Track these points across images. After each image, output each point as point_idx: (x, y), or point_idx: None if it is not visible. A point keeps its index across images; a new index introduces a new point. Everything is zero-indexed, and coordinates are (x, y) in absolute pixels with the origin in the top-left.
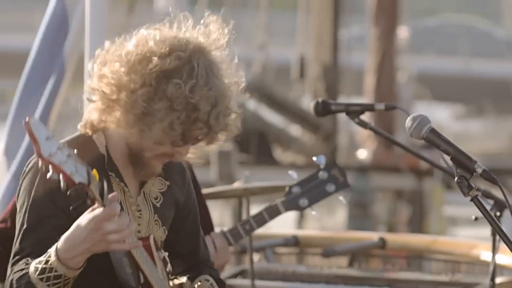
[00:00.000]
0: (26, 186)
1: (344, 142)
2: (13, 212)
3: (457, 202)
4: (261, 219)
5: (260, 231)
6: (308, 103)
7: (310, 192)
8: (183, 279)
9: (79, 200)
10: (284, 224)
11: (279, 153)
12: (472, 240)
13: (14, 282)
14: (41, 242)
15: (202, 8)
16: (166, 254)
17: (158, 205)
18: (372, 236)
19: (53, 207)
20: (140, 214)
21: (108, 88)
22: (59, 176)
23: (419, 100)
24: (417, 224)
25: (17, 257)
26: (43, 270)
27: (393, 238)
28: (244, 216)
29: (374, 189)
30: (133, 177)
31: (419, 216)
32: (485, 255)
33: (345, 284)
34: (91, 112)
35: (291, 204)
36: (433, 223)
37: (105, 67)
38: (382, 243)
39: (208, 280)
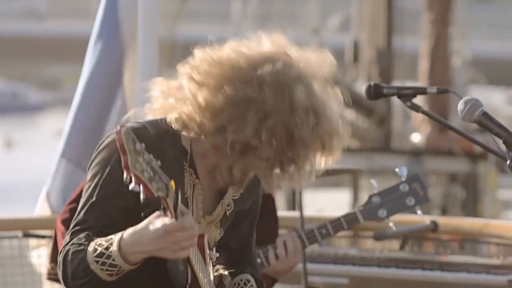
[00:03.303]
0: (102, 160)
1: (398, 126)
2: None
3: None
4: (338, 226)
5: (312, 214)
6: (361, 87)
7: (390, 204)
8: (225, 272)
9: (151, 207)
10: (337, 208)
11: None
12: None
13: (70, 253)
14: (105, 218)
15: None
16: (217, 255)
17: (228, 213)
18: (425, 219)
19: (124, 187)
20: (204, 216)
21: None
22: (139, 187)
23: (474, 84)
24: (471, 208)
25: (78, 227)
26: (101, 254)
27: (445, 221)
28: (298, 201)
29: (428, 173)
30: (214, 182)
31: (473, 200)
32: None
33: (397, 267)
34: (191, 111)
35: (370, 214)
36: (487, 206)
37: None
38: (434, 226)
39: (249, 281)
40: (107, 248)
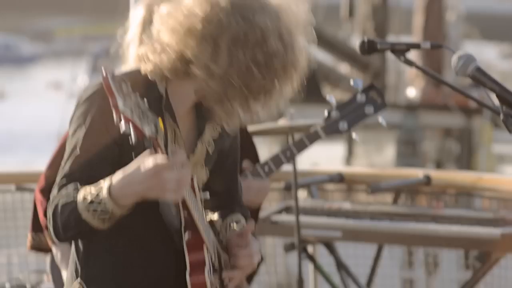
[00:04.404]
0: (83, 113)
1: (392, 80)
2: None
3: (506, 140)
4: (301, 145)
5: (306, 167)
6: (356, 42)
7: (349, 115)
8: (215, 216)
9: (141, 149)
10: (332, 162)
11: (328, 91)
12: None
13: (59, 205)
14: (92, 169)
15: None
16: (208, 194)
17: (210, 152)
18: (418, 173)
19: (108, 138)
20: (188, 157)
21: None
22: (129, 127)
23: (467, 39)
24: (466, 162)
25: (65, 180)
26: (91, 201)
27: (438, 175)
28: (290, 155)
29: (423, 127)
30: (190, 123)
31: (467, 154)
32: None
33: (390, 220)
34: (161, 59)
35: (331, 128)
36: (482, 160)
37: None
38: (427, 180)
39: (239, 220)
40: (97, 195)
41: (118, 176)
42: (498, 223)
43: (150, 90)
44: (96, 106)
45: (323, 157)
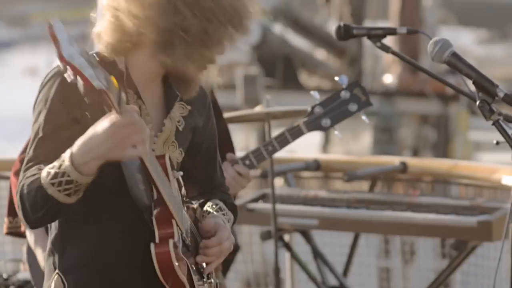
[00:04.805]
0: (43, 96)
1: (369, 66)
2: None
3: (483, 127)
4: (283, 140)
5: (282, 155)
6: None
7: (333, 112)
8: (195, 205)
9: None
10: (309, 149)
11: (304, 77)
12: (494, 164)
13: (25, 186)
14: (56, 150)
15: None
16: (181, 173)
17: (180, 128)
18: (395, 160)
19: (68, 118)
20: (156, 135)
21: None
22: (76, 79)
23: (444, 25)
24: (442, 149)
25: (30, 164)
26: (55, 175)
27: (414, 163)
28: (266, 140)
29: (400, 114)
30: (157, 101)
31: (444, 141)
32: (507, 179)
33: (367, 208)
34: (108, 33)
35: (314, 124)
36: (458, 148)
37: None
38: (404, 167)
39: (217, 204)
40: (59, 167)
41: (77, 143)
42: (474, 211)
43: (110, 69)
44: (54, 87)
45: (300, 144)
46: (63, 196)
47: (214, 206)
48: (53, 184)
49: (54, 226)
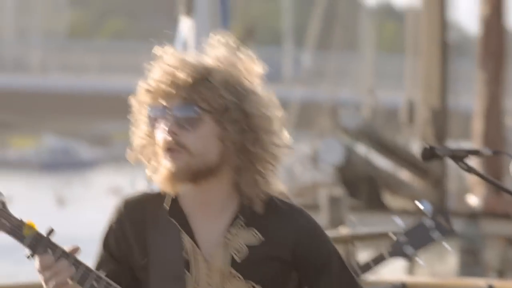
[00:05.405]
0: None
1: (453, 187)
2: None
3: None
4: (366, 267)
5: (369, 277)
6: (416, 148)
7: (416, 240)
8: None
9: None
10: (393, 270)
11: (388, 198)
12: None
13: None
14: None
15: (310, 50)
16: None
17: (238, 259)
18: (481, 282)
19: (113, 254)
20: (209, 266)
21: None
22: None
23: None
24: None
25: None
26: None
27: (501, 285)
28: (350, 261)
29: (485, 236)
30: (220, 231)
31: None
32: None
33: None
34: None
35: (396, 251)
36: None
37: None
38: None
39: None
40: None
41: None
42: None
43: (157, 205)
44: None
45: (385, 265)
46: None
47: None
48: None
49: None
